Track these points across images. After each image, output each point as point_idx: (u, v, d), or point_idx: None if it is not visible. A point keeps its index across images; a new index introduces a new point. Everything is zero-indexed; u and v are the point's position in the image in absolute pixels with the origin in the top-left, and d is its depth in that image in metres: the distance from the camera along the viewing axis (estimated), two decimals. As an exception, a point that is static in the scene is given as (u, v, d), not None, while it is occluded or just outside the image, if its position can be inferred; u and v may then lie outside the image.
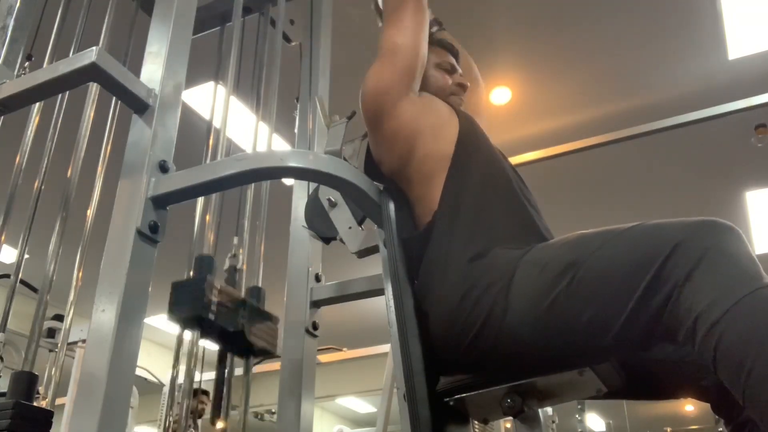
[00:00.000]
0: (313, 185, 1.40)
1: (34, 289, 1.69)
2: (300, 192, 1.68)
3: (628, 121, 3.04)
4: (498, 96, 3.81)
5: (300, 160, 1.13)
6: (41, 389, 1.49)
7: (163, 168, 1.15)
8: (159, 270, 1.10)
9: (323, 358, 4.24)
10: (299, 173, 1.24)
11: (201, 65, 1.59)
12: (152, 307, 1.11)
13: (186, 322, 1.31)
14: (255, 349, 1.40)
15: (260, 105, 1.85)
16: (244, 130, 1.92)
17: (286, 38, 1.95)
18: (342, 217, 1.30)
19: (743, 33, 3.35)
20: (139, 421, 5.20)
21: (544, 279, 1.00)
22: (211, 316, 1.26)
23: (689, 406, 8.97)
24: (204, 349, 1.52)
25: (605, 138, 2.89)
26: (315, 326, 1.53)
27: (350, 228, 1.29)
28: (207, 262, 1.40)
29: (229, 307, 1.30)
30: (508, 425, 3.20)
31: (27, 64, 1.75)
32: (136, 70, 1.24)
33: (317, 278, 1.59)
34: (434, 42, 1.46)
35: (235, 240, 1.60)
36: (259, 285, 1.57)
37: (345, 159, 1.31)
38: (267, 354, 1.43)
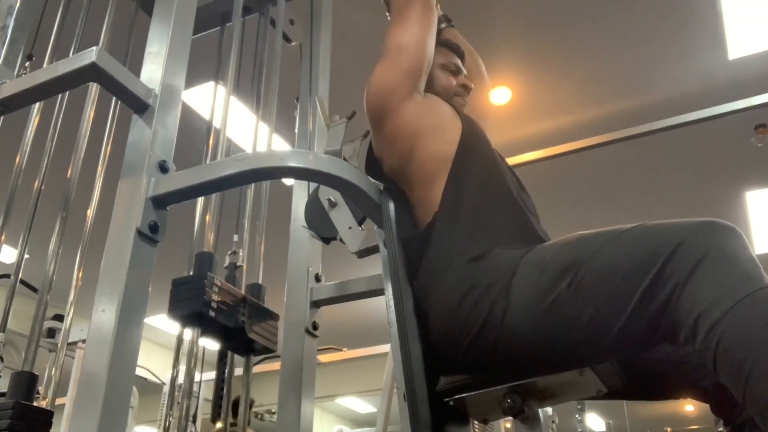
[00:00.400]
0: (313, 185, 1.40)
1: (34, 289, 1.69)
2: (300, 192, 1.68)
3: (628, 121, 3.04)
4: (498, 96, 3.80)
5: (300, 160, 1.13)
6: (41, 389, 1.49)
7: (163, 168, 1.15)
8: (159, 270, 1.10)
9: (323, 358, 4.23)
10: (299, 173, 1.24)
11: (201, 65, 1.59)
12: (152, 307, 1.11)
13: (186, 320, 1.31)
14: (255, 347, 1.40)
15: (260, 105, 1.85)
16: (244, 130, 1.92)
17: (286, 38, 1.95)
18: (342, 217, 1.30)
19: (743, 33, 3.35)
20: (139, 421, 5.20)
21: (544, 279, 1.00)
22: (212, 313, 1.26)
23: (689, 406, 8.97)
24: (204, 348, 1.52)
25: (605, 138, 2.89)
26: (315, 326, 1.53)
27: (350, 228, 1.29)
28: (207, 259, 1.40)
29: (229, 305, 1.30)
30: (508, 425, 3.20)
31: (27, 64, 1.75)
32: (136, 70, 1.24)
33: (317, 278, 1.59)
34: (440, 42, 1.46)
35: (235, 237, 1.60)
36: (259, 282, 1.57)
37: (345, 159, 1.31)
38: (267, 351, 1.43)
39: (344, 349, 4.61)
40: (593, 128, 3.55)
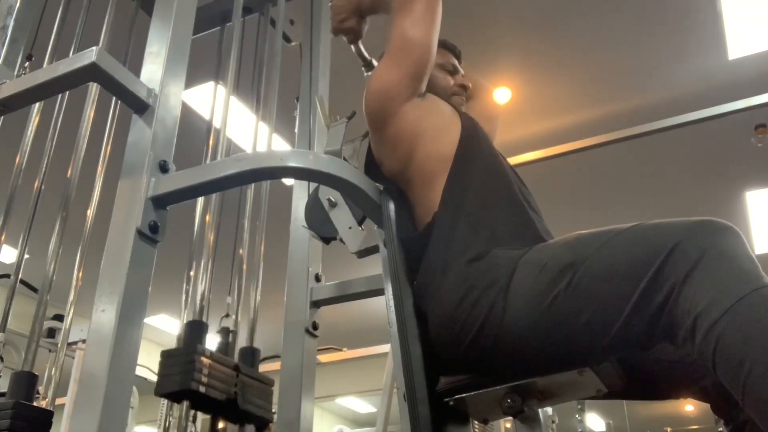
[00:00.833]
0: (313, 185, 1.40)
1: (34, 289, 1.69)
2: (300, 192, 1.68)
3: (628, 121, 3.04)
4: (498, 96, 3.81)
5: (300, 160, 1.13)
6: (41, 389, 1.49)
7: (163, 168, 1.15)
8: (159, 270, 1.10)
9: (323, 358, 4.23)
10: (299, 173, 1.24)
11: (201, 65, 1.59)
12: (152, 307, 1.11)
13: (175, 396, 1.25)
14: (249, 416, 1.34)
15: (260, 105, 1.85)
16: (244, 130, 1.92)
17: (286, 38, 1.95)
18: (342, 217, 1.30)
19: (743, 33, 3.35)
20: (139, 421, 5.20)
21: (543, 279, 1.00)
22: (202, 389, 1.20)
23: (689, 406, 8.97)
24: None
25: (605, 138, 2.89)
26: (315, 326, 1.53)
27: (350, 228, 1.29)
28: (197, 329, 1.35)
29: (220, 378, 1.24)
30: (508, 425, 3.20)
31: (27, 64, 1.76)
32: (136, 70, 1.24)
33: (317, 278, 1.59)
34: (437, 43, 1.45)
35: (229, 299, 1.57)
36: (254, 345, 1.51)
37: (345, 159, 1.31)
38: (262, 421, 1.36)
39: (344, 349, 4.61)
40: (593, 128, 3.56)
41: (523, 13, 3.28)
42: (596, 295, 0.95)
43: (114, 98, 1.62)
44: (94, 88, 1.66)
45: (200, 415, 1.50)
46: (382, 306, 1.14)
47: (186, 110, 3.03)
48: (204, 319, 1.47)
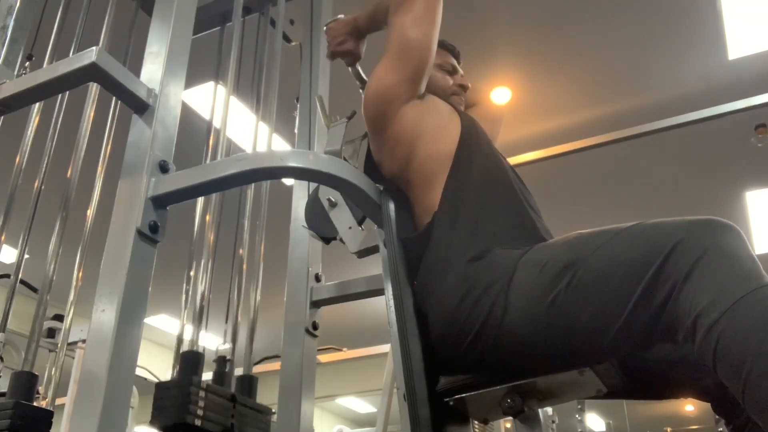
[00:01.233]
0: (313, 185, 1.40)
1: (34, 289, 1.69)
2: (300, 192, 1.68)
3: (628, 121, 3.04)
4: (498, 96, 3.80)
5: (300, 160, 1.13)
6: (41, 389, 1.49)
7: (163, 168, 1.15)
8: (159, 270, 1.10)
9: (323, 358, 4.23)
10: (299, 173, 1.24)
11: (201, 65, 1.59)
12: (152, 307, 1.11)
13: (170, 431, 1.22)
14: None
15: (260, 105, 1.85)
16: (244, 130, 1.92)
17: (286, 38, 1.95)
18: (342, 217, 1.30)
19: (743, 33, 3.35)
20: (139, 421, 5.19)
21: (543, 279, 1.00)
22: (198, 422, 1.18)
23: (689, 406, 8.96)
24: (204, 348, 1.52)
25: (605, 138, 2.89)
26: (315, 326, 1.53)
27: (350, 228, 1.29)
28: (193, 360, 1.33)
29: (216, 409, 1.22)
30: (508, 425, 3.20)
31: (27, 64, 1.76)
32: (136, 70, 1.24)
33: (317, 278, 1.59)
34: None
35: (225, 326, 1.56)
36: (251, 374, 1.50)
37: (345, 159, 1.31)
38: None
39: (344, 349, 4.61)
40: (593, 128, 3.56)
41: (523, 13, 3.28)
42: (596, 295, 0.95)
43: (114, 98, 1.62)
44: (94, 88, 1.66)
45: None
46: (382, 306, 1.14)
47: (186, 110, 3.03)
48: (204, 320, 1.48)
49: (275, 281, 1.66)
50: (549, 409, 3.17)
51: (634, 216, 1.09)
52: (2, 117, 1.41)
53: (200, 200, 1.59)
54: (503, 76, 3.66)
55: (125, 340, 1.01)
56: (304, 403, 1.45)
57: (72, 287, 1.49)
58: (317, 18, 1.93)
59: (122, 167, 1.16)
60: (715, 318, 0.82)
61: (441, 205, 1.19)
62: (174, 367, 1.45)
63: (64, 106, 1.65)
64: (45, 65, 1.53)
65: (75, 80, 1.15)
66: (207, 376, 1.62)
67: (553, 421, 3.43)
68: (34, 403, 1.25)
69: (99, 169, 1.63)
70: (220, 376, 1.44)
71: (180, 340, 1.48)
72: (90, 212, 1.57)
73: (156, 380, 4.43)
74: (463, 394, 1.09)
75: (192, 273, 1.54)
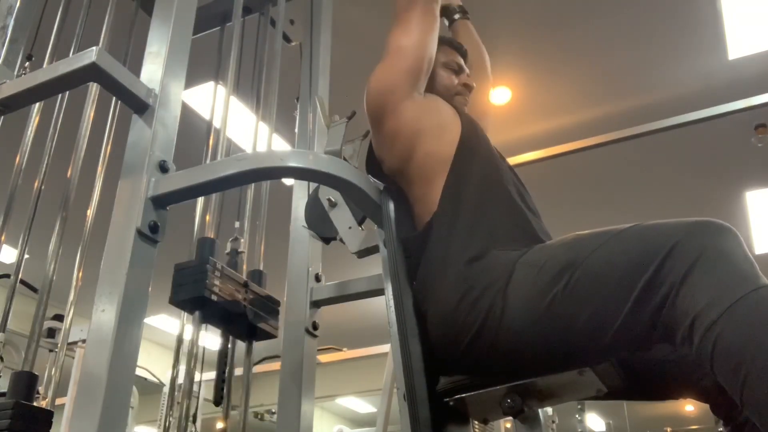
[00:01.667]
0: (313, 185, 1.40)
1: (34, 289, 1.69)
2: (300, 192, 1.68)
3: (628, 121, 3.04)
4: (498, 96, 3.80)
5: (300, 160, 1.13)
6: (41, 389, 1.49)
7: (163, 168, 1.15)
8: (159, 270, 1.10)
9: (323, 358, 4.23)
10: (299, 173, 1.24)
11: (201, 65, 1.59)
12: (152, 307, 1.11)
13: (188, 305, 1.31)
14: (257, 331, 1.40)
15: (260, 105, 1.85)
16: (244, 130, 1.92)
17: (286, 38, 1.95)
18: (342, 217, 1.30)
19: (743, 33, 3.35)
20: (139, 421, 5.20)
21: (542, 280, 1.00)
22: (214, 298, 1.26)
23: (689, 406, 8.96)
24: (204, 349, 1.52)
25: (605, 138, 2.89)
26: (315, 326, 1.53)
27: (350, 228, 1.29)
28: (209, 244, 1.40)
29: (231, 290, 1.30)
30: (508, 425, 3.20)
31: (27, 64, 1.75)
32: (136, 70, 1.24)
33: (317, 278, 1.59)
34: (443, 41, 1.45)
35: (237, 224, 1.60)
36: (261, 269, 1.57)
37: (345, 159, 1.31)
38: (268, 336, 1.42)
39: (344, 349, 4.61)
40: (593, 128, 3.55)
41: (523, 13, 3.28)
42: (594, 296, 0.95)
43: (114, 98, 1.62)
44: (94, 88, 1.66)
45: (200, 415, 1.50)
46: (382, 306, 1.14)
47: (186, 110, 3.03)
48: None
49: (275, 281, 1.66)
50: (549, 409, 3.17)
51: (634, 216, 1.09)
52: (2, 117, 1.41)
53: (200, 200, 1.59)
54: (503, 76, 3.66)
55: (125, 340, 1.01)
56: (304, 403, 1.45)
57: (72, 287, 1.49)
58: (317, 18, 1.93)
59: (122, 167, 1.16)
60: (713, 319, 0.82)
61: (440, 205, 1.19)
62: (174, 367, 1.46)
63: (64, 106, 1.65)
64: (45, 65, 1.53)
65: (75, 80, 1.15)
66: (207, 375, 1.62)
67: (553, 421, 3.43)
68: (34, 403, 1.25)
69: (99, 169, 1.63)
70: (234, 264, 1.50)
71: (180, 340, 1.48)
72: (90, 212, 1.57)
73: (156, 380, 4.43)
74: (463, 394, 1.10)
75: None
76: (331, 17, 1.97)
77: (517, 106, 3.88)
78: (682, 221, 0.94)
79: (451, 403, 1.11)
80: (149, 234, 1.09)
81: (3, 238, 1.48)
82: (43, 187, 1.53)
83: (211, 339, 1.51)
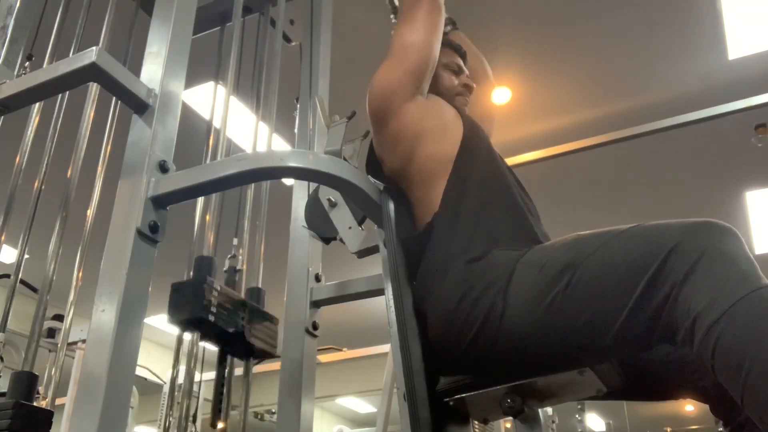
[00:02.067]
0: (313, 185, 1.40)
1: (34, 289, 1.69)
2: (300, 192, 1.68)
3: (628, 121, 3.04)
4: (498, 96, 3.80)
5: (300, 160, 1.13)
6: (41, 389, 1.49)
7: (163, 168, 1.15)
8: (159, 270, 1.10)
9: (323, 358, 4.24)
10: (299, 173, 1.24)
11: (201, 65, 1.59)
12: (152, 307, 1.11)
13: (185, 324, 1.30)
14: (255, 350, 1.40)
15: (260, 105, 1.85)
16: (244, 130, 1.92)
17: (286, 38, 1.95)
18: (342, 217, 1.30)
19: (743, 33, 3.35)
20: (139, 421, 5.20)
21: (542, 280, 1.00)
22: (211, 318, 1.25)
23: (689, 406, 8.96)
24: (204, 349, 1.52)
25: (605, 138, 2.89)
26: (315, 326, 1.53)
27: (350, 228, 1.29)
28: (206, 263, 1.39)
29: (228, 309, 1.29)
30: (508, 425, 3.20)
31: (27, 64, 1.75)
32: (136, 70, 1.24)
33: (317, 278, 1.59)
34: (442, 43, 1.46)
35: (235, 241, 1.60)
36: (259, 286, 1.56)
37: (345, 159, 1.31)
38: (267, 355, 1.42)
39: (344, 349, 4.61)
40: (593, 128, 3.55)
41: (523, 13, 3.28)
42: (595, 296, 0.95)
43: (114, 98, 1.62)
44: (94, 88, 1.66)
45: (200, 415, 1.50)
46: (382, 306, 1.14)
47: (186, 110, 3.03)
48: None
49: (275, 281, 1.66)
50: (549, 409, 3.18)
51: (634, 216, 1.09)
52: (2, 117, 1.41)
53: (200, 200, 1.59)
54: (503, 76, 3.66)
55: (125, 340, 1.01)
56: (304, 403, 1.45)
57: (72, 287, 1.48)
58: (317, 18, 1.93)
59: (122, 167, 1.16)
60: (714, 319, 0.82)
61: (441, 206, 1.19)
62: (174, 367, 1.45)
63: (64, 106, 1.65)
64: (45, 65, 1.53)
65: (75, 80, 1.15)
66: (207, 376, 1.62)
67: (553, 421, 3.43)
68: (34, 403, 1.25)
69: (99, 169, 1.63)
70: (232, 282, 1.50)
71: (180, 340, 1.48)
72: (90, 212, 1.57)
73: (156, 380, 4.43)
74: (463, 394, 1.10)
75: (192, 274, 1.54)
76: (331, 17, 1.97)
77: (517, 106, 3.88)
78: (683, 222, 0.94)
79: (451, 403, 1.11)
80: (149, 234, 1.09)
81: (3, 238, 1.48)
82: (43, 187, 1.53)
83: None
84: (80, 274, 1.50)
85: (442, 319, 1.08)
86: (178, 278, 1.56)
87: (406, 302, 1.12)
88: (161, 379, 4.29)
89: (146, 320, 1.12)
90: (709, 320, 0.83)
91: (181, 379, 1.48)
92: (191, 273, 1.43)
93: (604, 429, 9.16)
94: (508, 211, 1.21)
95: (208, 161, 1.65)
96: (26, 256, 1.48)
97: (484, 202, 1.20)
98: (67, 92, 1.58)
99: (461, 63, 1.49)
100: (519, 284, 1.02)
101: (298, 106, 1.87)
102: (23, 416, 1.16)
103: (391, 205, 1.21)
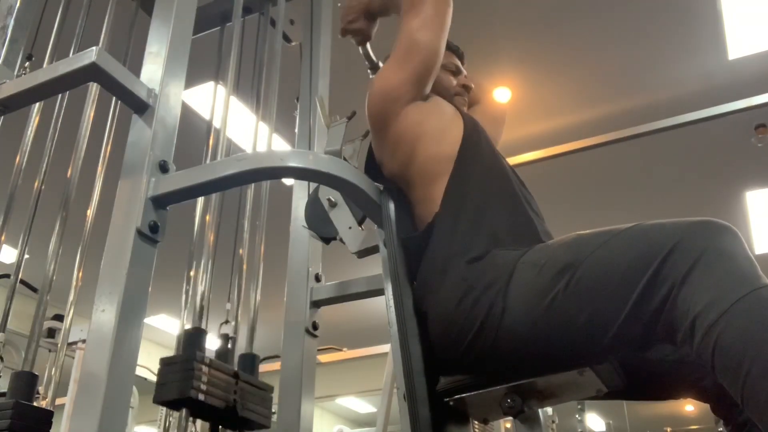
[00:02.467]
0: (313, 185, 1.40)
1: (34, 289, 1.69)
2: (300, 192, 1.68)
3: (628, 121, 3.04)
4: (498, 96, 3.80)
5: (300, 160, 1.13)
6: (41, 389, 1.49)
7: (163, 168, 1.15)
8: (159, 270, 1.10)
9: (323, 358, 4.23)
10: (299, 173, 1.24)
11: (201, 65, 1.59)
12: (152, 307, 1.11)
13: (174, 404, 1.24)
14: (248, 423, 1.33)
15: (260, 105, 1.85)
16: (244, 130, 1.91)
17: (286, 38, 1.95)
18: (342, 217, 1.30)
19: (743, 33, 3.35)
20: (139, 421, 5.20)
21: (542, 279, 1.00)
22: (201, 397, 1.19)
23: (689, 406, 8.97)
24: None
25: (605, 138, 2.89)
26: (315, 326, 1.53)
27: (350, 228, 1.29)
28: (196, 337, 1.34)
29: (219, 385, 1.24)
30: (508, 425, 3.20)
31: (27, 64, 1.75)
32: (136, 70, 1.24)
33: (317, 278, 1.59)
34: None
35: (228, 306, 1.56)
36: (253, 352, 1.48)
37: (345, 159, 1.31)
38: (260, 426, 1.35)
39: (344, 349, 4.61)
40: (593, 128, 3.56)
41: (523, 13, 3.28)
42: (595, 296, 0.95)
43: (114, 98, 1.62)
44: (94, 88, 1.66)
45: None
46: (382, 306, 1.14)
47: (186, 110, 3.03)
48: (204, 320, 1.47)
49: (275, 281, 1.66)
50: (549, 409, 3.17)
51: (634, 216, 1.09)
52: (2, 117, 1.41)
53: (200, 200, 1.59)
54: (503, 76, 3.66)
55: (125, 340, 1.01)
56: (304, 403, 1.45)
57: (72, 287, 1.48)
58: (317, 18, 1.93)
59: (122, 167, 1.16)
60: (714, 319, 0.82)
61: (442, 206, 1.19)
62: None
63: (64, 106, 1.65)
64: (45, 65, 1.53)
65: (75, 80, 1.15)
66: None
67: (553, 421, 3.43)
68: (34, 403, 1.25)
69: (99, 169, 1.63)
70: (224, 353, 1.45)
71: (180, 340, 1.48)
72: (90, 212, 1.57)
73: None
74: (463, 394, 1.09)
75: (192, 273, 1.54)
76: (331, 17, 1.97)
77: (517, 106, 3.88)
78: (683, 221, 0.94)
79: (451, 403, 1.11)
80: (149, 234, 1.09)
81: (3, 238, 1.48)
82: (43, 187, 1.53)
83: (211, 339, 1.51)
84: (80, 274, 1.50)
85: (442, 318, 1.08)
86: (178, 278, 1.56)
87: (406, 302, 1.12)
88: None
89: (146, 320, 1.12)
90: (709, 320, 0.83)
91: (181, 379, 1.48)
92: (180, 347, 1.36)
93: (604, 429, 9.16)
94: (510, 209, 1.21)
95: (208, 161, 1.65)
96: (26, 256, 1.48)
97: (486, 200, 1.19)
98: (67, 92, 1.58)
99: (459, 63, 1.49)
100: (519, 284, 1.02)
101: (299, 106, 1.87)
102: (23, 416, 1.16)
103: (391, 205, 1.21)
